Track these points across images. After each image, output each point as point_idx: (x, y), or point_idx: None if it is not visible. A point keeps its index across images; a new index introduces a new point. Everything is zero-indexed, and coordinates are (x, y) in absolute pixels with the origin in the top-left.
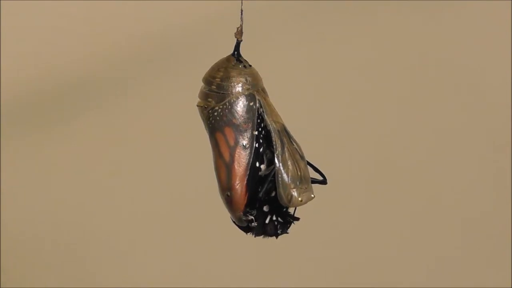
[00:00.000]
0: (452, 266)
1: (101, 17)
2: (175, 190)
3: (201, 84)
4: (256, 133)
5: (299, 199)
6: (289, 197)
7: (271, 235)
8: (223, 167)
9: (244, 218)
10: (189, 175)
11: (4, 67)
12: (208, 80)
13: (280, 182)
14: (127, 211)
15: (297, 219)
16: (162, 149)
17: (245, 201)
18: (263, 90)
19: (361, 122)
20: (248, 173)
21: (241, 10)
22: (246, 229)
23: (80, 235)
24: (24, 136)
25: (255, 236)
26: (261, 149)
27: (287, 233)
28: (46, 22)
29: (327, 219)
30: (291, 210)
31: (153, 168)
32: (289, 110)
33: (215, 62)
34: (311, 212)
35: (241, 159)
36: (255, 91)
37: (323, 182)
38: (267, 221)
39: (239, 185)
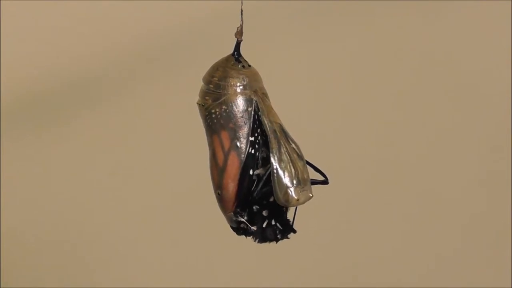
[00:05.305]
0: (452, 266)
1: (101, 17)
2: (175, 190)
3: (201, 84)
4: (252, 138)
5: (296, 198)
6: (286, 196)
7: (271, 240)
8: (216, 166)
9: (234, 218)
10: (189, 175)
11: (4, 67)
12: (207, 79)
13: (276, 182)
14: (127, 211)
15: (294, 231)
16: (162, 149)
17: (236, 201)
18: (262, 91)
19: (361, 122)
20: (240, 172)
21: (241, 10)
22: (245, 232)
23: (80, 235)
24: (24, 136)
25: (257, 242)
26: (257, 152)
27: (288, 238)
28: (46, 22)
29: (326, 218)
30: (290, 217)
31: (153, 168)
32: (289, 110)
33: (215, 62)
34: (310, 212)
35: (235, 159)
36: (253, 92)
37: (325, 182)
38: (265, 226)
39: (230, 184)
